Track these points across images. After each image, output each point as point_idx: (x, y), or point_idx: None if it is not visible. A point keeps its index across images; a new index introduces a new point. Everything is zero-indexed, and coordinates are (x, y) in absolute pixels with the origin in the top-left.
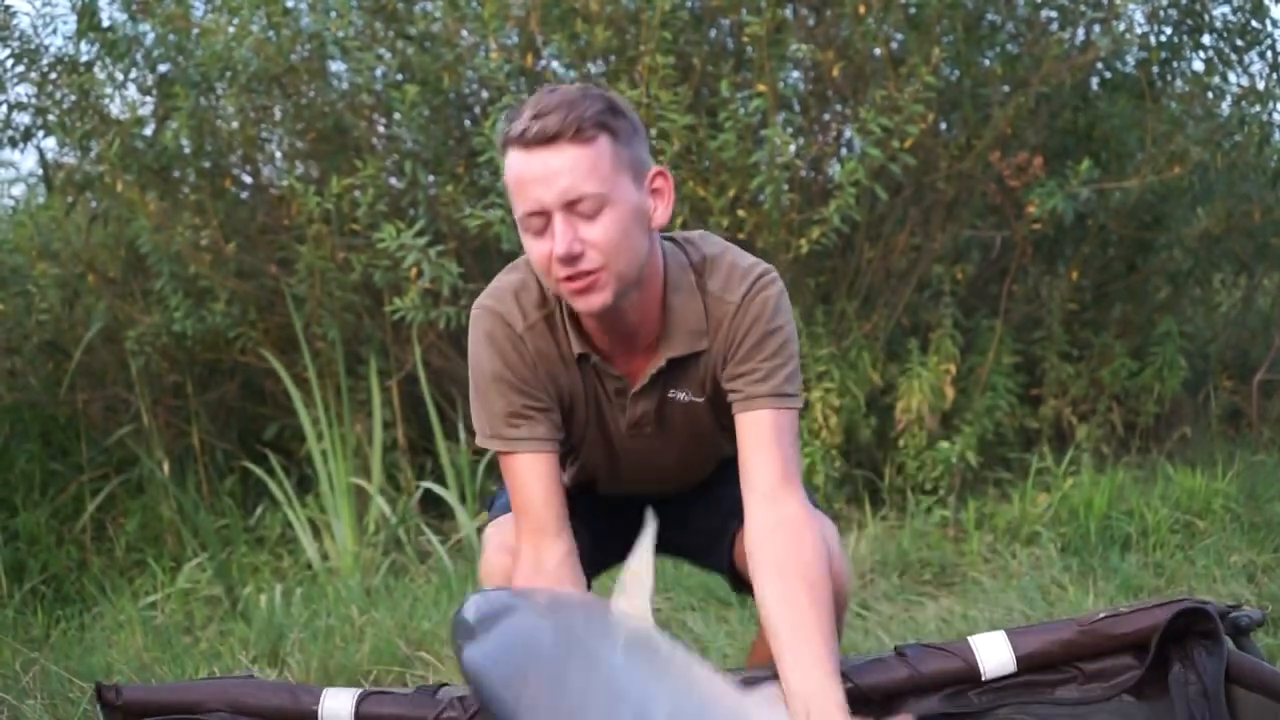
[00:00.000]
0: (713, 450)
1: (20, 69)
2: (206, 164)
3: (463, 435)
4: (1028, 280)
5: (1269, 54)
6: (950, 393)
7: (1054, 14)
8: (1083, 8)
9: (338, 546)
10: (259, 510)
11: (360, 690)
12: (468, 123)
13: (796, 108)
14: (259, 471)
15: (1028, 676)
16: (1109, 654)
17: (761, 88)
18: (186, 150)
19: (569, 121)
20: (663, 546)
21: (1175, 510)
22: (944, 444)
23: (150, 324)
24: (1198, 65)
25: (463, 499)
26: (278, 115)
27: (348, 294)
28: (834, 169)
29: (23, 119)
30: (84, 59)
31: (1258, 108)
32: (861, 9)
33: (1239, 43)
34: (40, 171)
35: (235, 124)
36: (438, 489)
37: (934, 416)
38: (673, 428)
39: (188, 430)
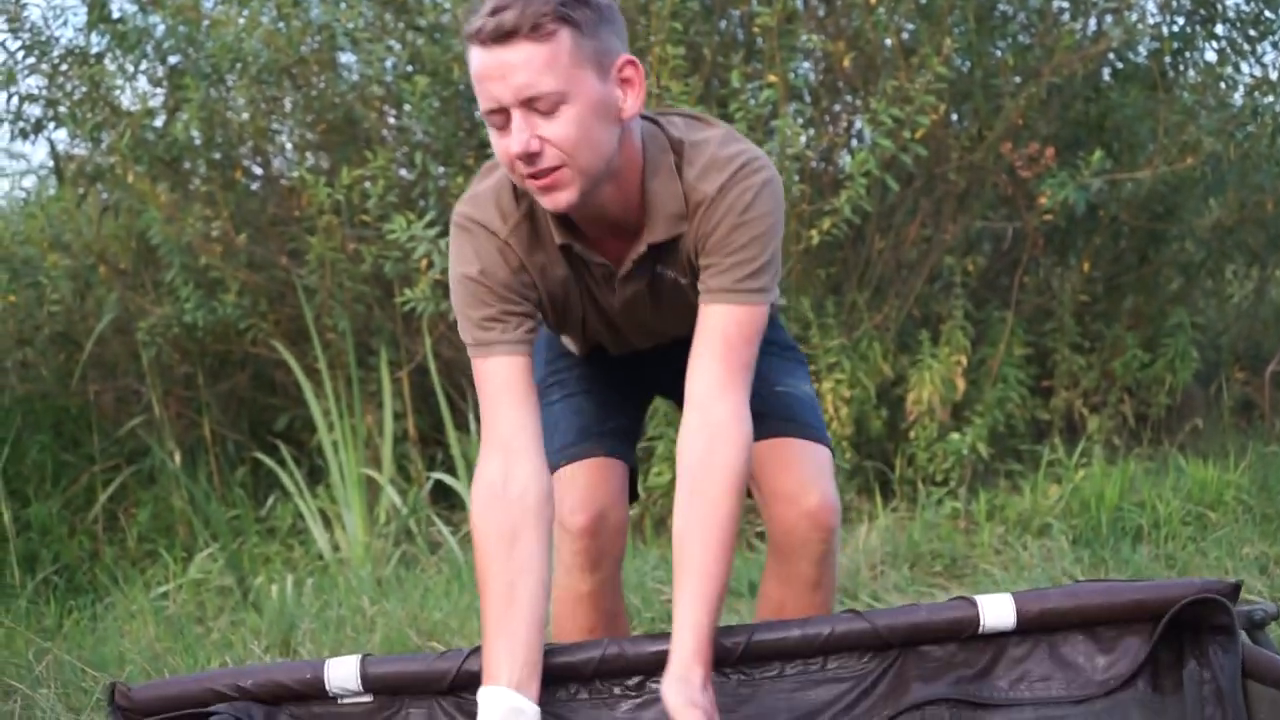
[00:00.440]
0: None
1: (31, 61)
2: (217, 155)
3: (473, 426)
4: (1039, 272)
5: None
6: (961, 384)
7: (1066, 4)
8: None
9: (349, 537)
10: (270, 501)
11: (361, 655)
12: (478, 114)
13: (807, 99)
14: (270, 462)
15: (1030, 634)
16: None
17: (772, 79)
18: (197, 142)
19: (525, 17)
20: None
21: (1187, 502)
22: (955, 436)
23: (161, 315)
24: (1210, 55)
25: None
26: (288, 107)
27: (358, 285)
28: (845, 160)
29: (34, 111)
30: (94, 51)
31: (1271, 98)
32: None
33: (1252, 33)
34: (51, 163)
35: (246, 115)
36: (448, 479)
37: (945, 408)
38: (666, 300)
39: (199, 421)
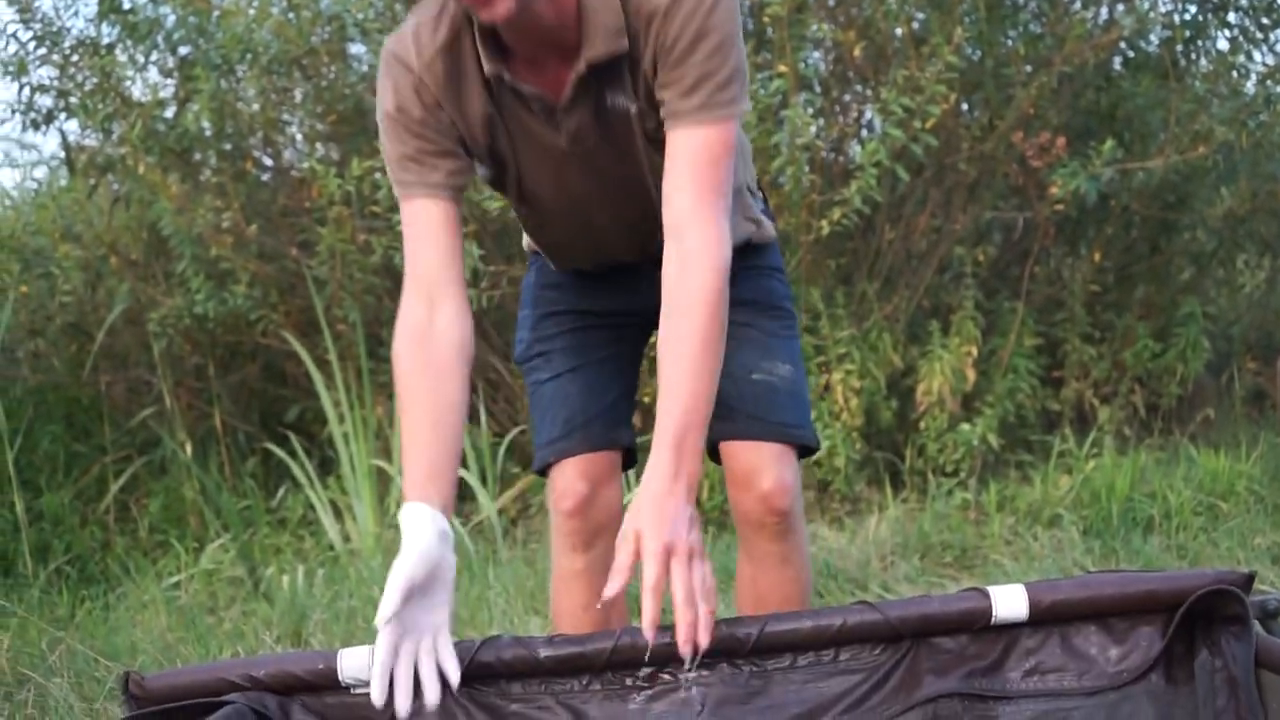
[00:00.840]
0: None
1: (42, 51)
2: (227, 146)
3: (483, 417)
4: (1050, 262)
5: None
6: (971, 375)
7: None
8: None
9: (359, 528)
10: (281, 492)
11: (373, 645)
12: None
13: (817, 89)
14: (281, 453)
15: (1042, 625)
16: (1128, 614)
17: (782, 68)
18: (208, 133)
19: None
20: None
21: (1198, 492)
22: (965, 426)
23: (172, 306)
24: (1222, 44)
25: (484, 480)
26: (298, 97)
27: (368, 276)
28: (855, 150)
29: (45, 101)
30: (105, 41)
31: None
32: None
33: (1265, 21)
34: (62, 154)
35: (256, 106)
36: (460, 472)
37: (955, 399)
38: (617, 140)
39: (210, 412)
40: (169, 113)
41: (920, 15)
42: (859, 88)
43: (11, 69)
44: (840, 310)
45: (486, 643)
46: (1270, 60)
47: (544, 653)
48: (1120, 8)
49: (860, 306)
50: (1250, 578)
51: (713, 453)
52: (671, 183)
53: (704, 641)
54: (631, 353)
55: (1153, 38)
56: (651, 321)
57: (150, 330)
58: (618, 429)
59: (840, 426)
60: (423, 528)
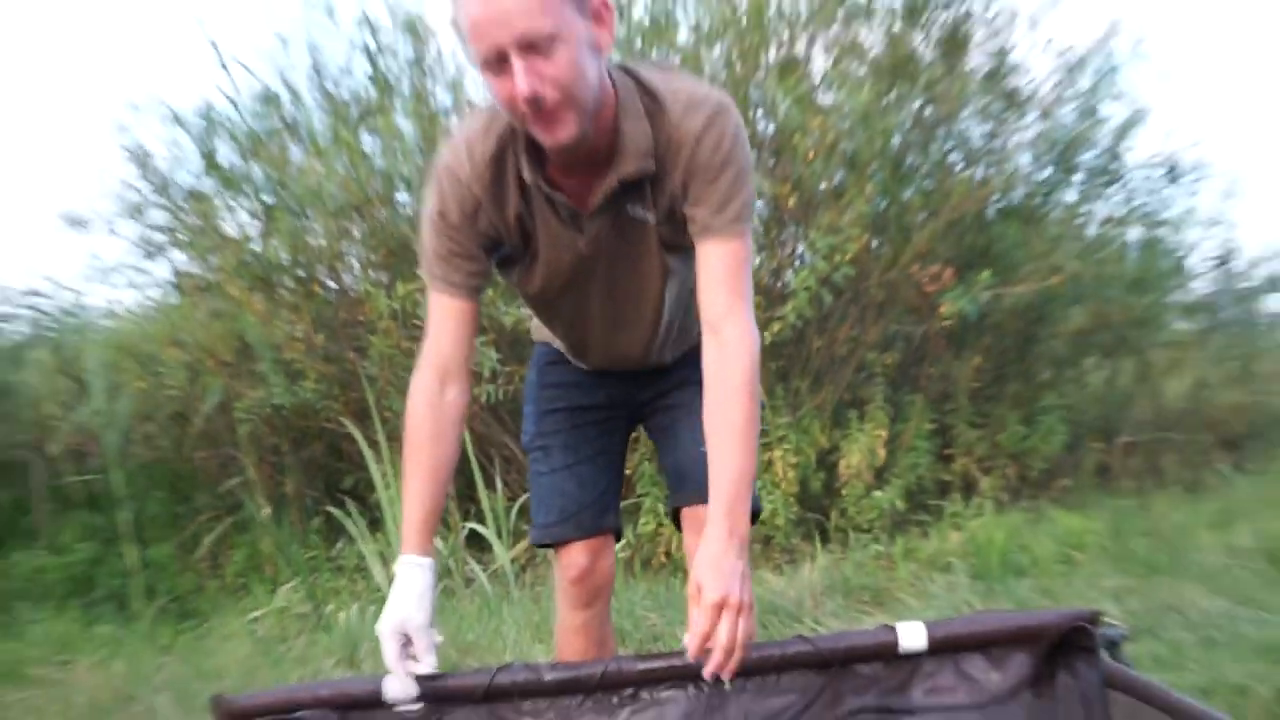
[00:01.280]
0: (665, 270)
1: (157, 199)
2: (300, 273)
3: (500, 486)
4: (941, 364)
5: (1125, 189)
6: (882, 453)
7: (960, 158)
8: (981, 153)
9: None
10: (339, 544)
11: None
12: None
13: (760, 229)
14: (339, 514)
15: (938, 654)
16: (1005, 644)
17: None
18: (285, 261)
19: None
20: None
21: (1059, 545)
22: (878, 493)
23: (255, 398)
24: (1071, 197)
25: (499, 535)
26: (356, 235)
27: (410, 375)
28: (790, 277)
29: (159, 237)
30: (206, 191)
31: (1118, 230)
32: (810, 154)
33: (1103, 179)
34: (172, 279)
35: (323, 241)
36: (480, 528)
37: (870, 472)
38: (630, 243)
39: (283, 481)
40: (255, 246)
41: (839, 174)
42: (792, 228)
43: (134, 213)
44: (779, 402)
45: (502, 668)
46: (1108, 210)
47: (548, 676)
48: (993, 170)
49: (795, 399)
50: (1097, 615)
51: (674, 518)
52: (708, 286)
53: (726, 676)
54: (620, 445)
55: (1018, 192)
56: (638, 413)
57: (237, 417)
58: (604, 516)
59: (780, 493)
60: (412, 581)
